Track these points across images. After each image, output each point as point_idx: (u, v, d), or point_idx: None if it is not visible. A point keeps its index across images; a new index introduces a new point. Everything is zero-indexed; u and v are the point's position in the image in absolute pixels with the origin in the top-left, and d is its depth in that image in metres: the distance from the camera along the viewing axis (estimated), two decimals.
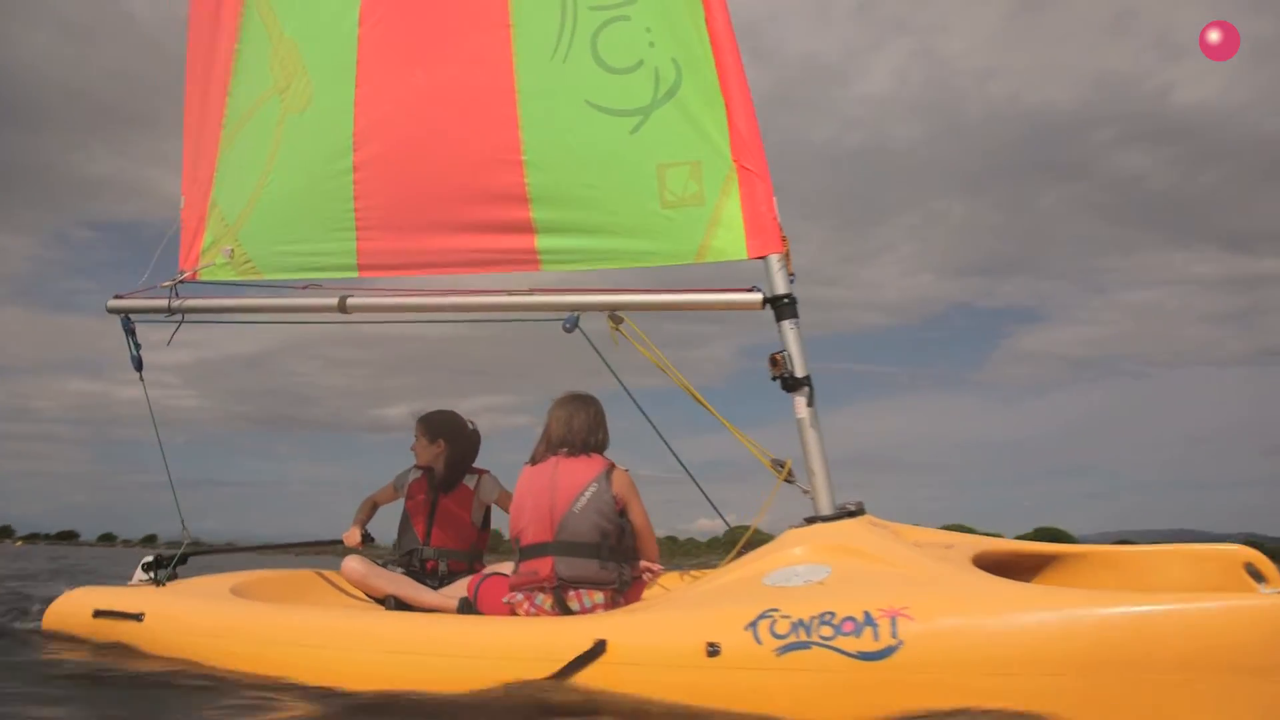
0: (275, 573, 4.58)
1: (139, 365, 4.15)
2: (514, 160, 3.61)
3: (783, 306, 3.42)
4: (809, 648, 2.55)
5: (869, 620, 2.54)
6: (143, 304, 4.12)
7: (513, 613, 3.35)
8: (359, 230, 3.83)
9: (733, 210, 3.48)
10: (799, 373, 3.37)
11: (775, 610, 2.66)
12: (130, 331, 4.13)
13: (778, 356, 3.38)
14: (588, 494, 3.32)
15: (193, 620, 3.74)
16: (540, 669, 2.81)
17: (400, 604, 4.11)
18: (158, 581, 4.25)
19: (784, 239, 3.47)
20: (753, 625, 2.65)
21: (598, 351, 3.63)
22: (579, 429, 3.49)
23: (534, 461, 3.52)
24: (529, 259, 3.66)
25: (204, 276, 4.09)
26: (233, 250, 4.01)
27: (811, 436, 3.35)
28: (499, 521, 4.72)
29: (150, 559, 4.66)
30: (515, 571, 3.42)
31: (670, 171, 3.51)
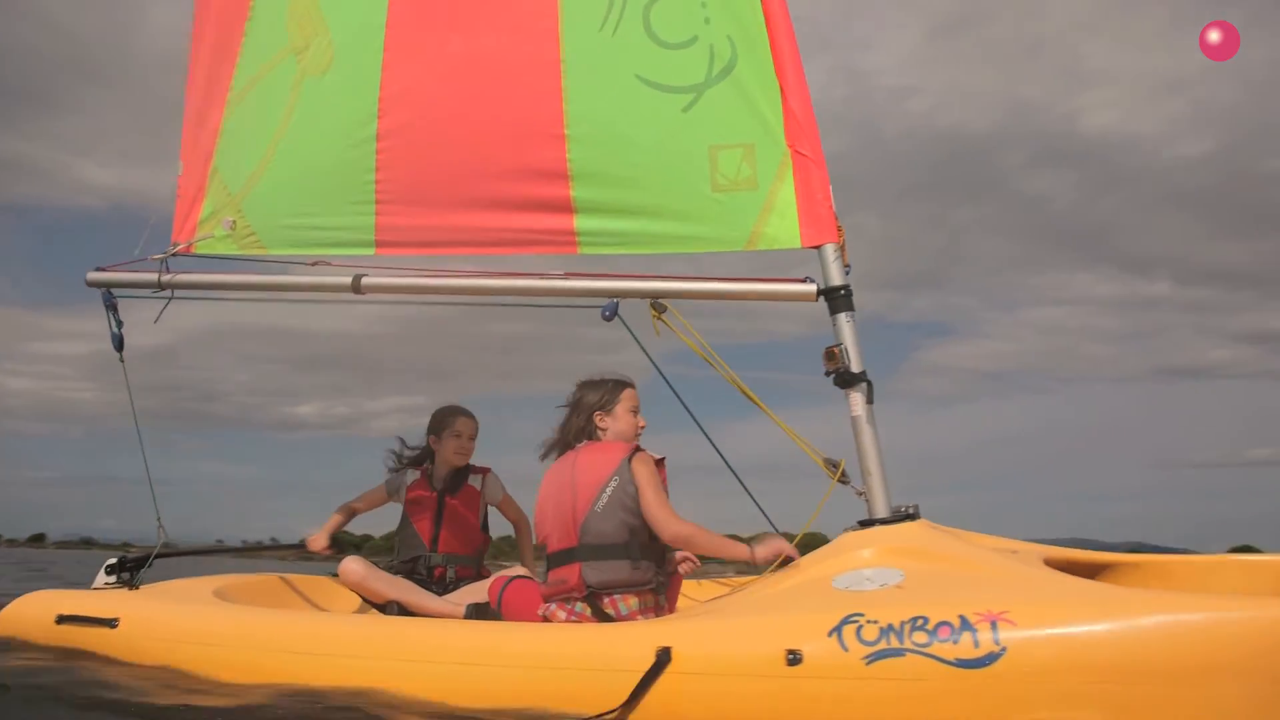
0: (259, 577, 4.22)
1: (120, 345, 3.77)
2: (556, 134, 3.38)
3: (839, 299, 3.26)
4: (903, 655, 2.37)
5: (966, 625, 2.37)
6: (128, 277, 3.75)
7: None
8: (379, 204, 3.55)
9: (787, 196, 3.31)
10: (855, 368, 3.21)
11: (860, 615, 2.47)
12: (112, 308, 3.76)
13: (834, 350, 3.21)
14: (609, 489, 3.02)
15: (180, 626, 3.38)
16: (599, 678, 2.57)
17: (403, 610, 3.80)
18: (131, 585, 3.85)
19: (839, 228, 3.32)
20: (836, 631, 2.45)
21: (639, 343, 3.41)
22: (583, 411, 3.25)
23: (551, 455, 3.26)
24: (566, 240, 3.43)
25: (200, 250, 3.75)
26: (234, 222, 3.68)
27: (868, 435, 3.19)
28: (496, 527, 4.43)
29: (114, 561, 4.27)
30: (544, 580, 3.15)
31: (723, 154, 3.33)
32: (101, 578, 4.21)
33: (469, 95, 3.47)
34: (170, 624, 3.41)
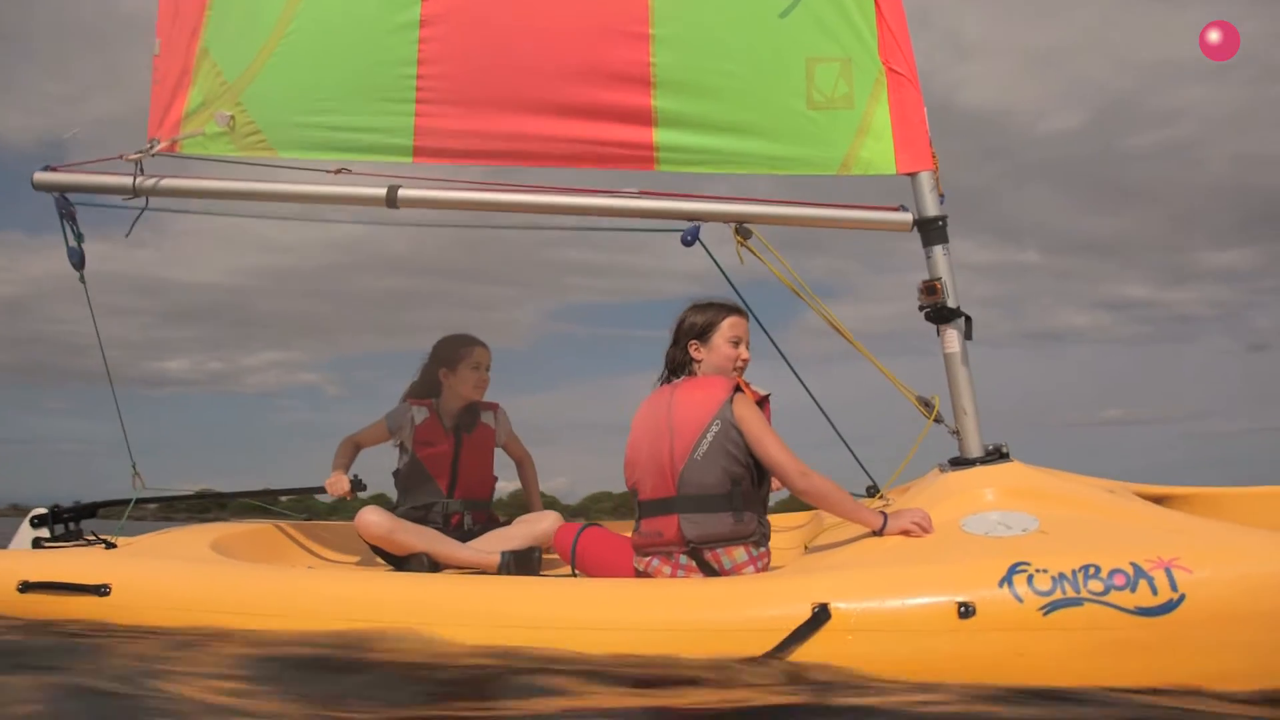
0: (253, 526, 3.70)
1: (79, 261, 3.10)
2: (640, 33, 2.97)
3: (935, 230, 3.10)
4: (1080, 604, 2.31)
5: (1141, 572, 2.33)
6: (91, 180, 3.05)
7: (650, 578, 2.83)
8: (420, 104, 3.02)
9: (882, 118, 3.09)
10: (952, 303, 3.08)
11: (1027, 564, 2.39)
12: (68, 216, 3.06)
13: (936, 284, 3.07)
14: (710, 435, 2.76)
15: (195, 591, 2.89)
16: (739, 638, 2.37)
17: (431, 563, 3.44)
18: (106, 544, 3.27)
19: (934, 155, 3.14)
20: (1006, 581, 2.36)
21: (721, 269, 3.12)
22: (680, 338, 2.97)
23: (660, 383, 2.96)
24: (643, 156, 3.06)
25: (187, 149, 3.08)
26: (233, 117, 3.03)
27: (962, 373, 3.10)
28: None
29: (44, 512, 3.65)
30: (637, 529, 2.88)
31: (820, 67, 3.05)
32: (27, 533, 3.59)
33: None
34: (179, 590, 2.92)
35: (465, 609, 2.57)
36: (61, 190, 3.03)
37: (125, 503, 3.92)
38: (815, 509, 3.62)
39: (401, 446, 3.83)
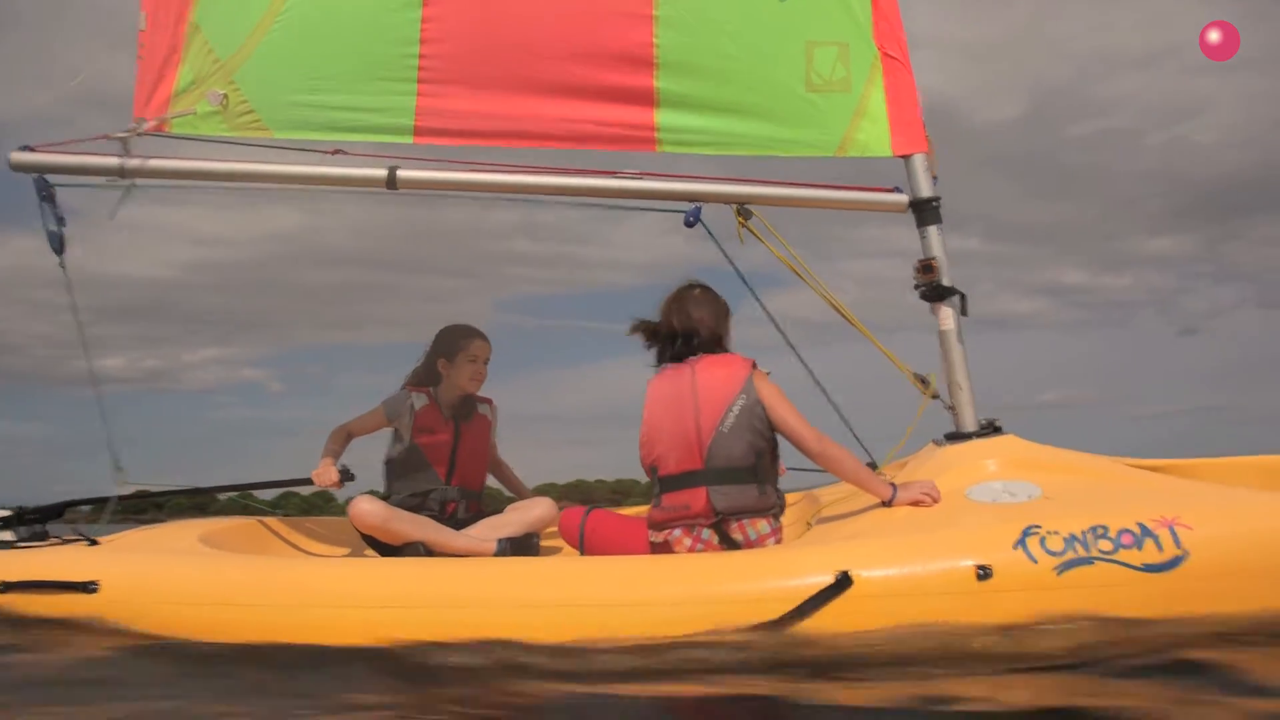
0: (238, 521, 3.59)
1: (60, 246, 2.97)
2: (644, 14, 2.99)
3: (929, 211, 3.19)
4: (1091, 563, 2.41)
5: (1146, 531, 2.44)
6: (72, 160, 2.92)
7: (672, 552, 2.84)
8: (421, 84, 2.97)
9: (878, 101, 3.17)
10: (946, 281, 3.17)
11: (1038, 526, 2.48)
12: (48, 198, 2.93)
13: (932, 263, 3.15)
14: (736, 408, 2.82)
15: (192, 585, 2.80)
16: (769, 608, 2.41)
17: (428, 551, 3.39)
18: (89, 540, 3.14)
19: (928, 138, 3.23)
20: (1020, 543, 2.45)
21: (722, 249, 3.17)
22: (706, 319, 2.98)
23: (659, 366, 2.97)
24: (644, 137, 3.08)
25: (177, 129, 2.97)
26: (226, 96, 2.94)
27: (957, 350, 3.19)
28: None
29: (7, 514, 3.49)
30: (657, 504, 2.89)
31: (819, 51, 3.11)
32: None
33: None
34: (177, 584, 2.82)
35: (491, 592, 2.55)
36: (41, 171, 2.90)
37: (95, 501, 3.78)
38: (807, 490, 3.70)
39: (396, 434, 3.76)
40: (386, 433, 3.85)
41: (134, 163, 2.93)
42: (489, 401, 3.89)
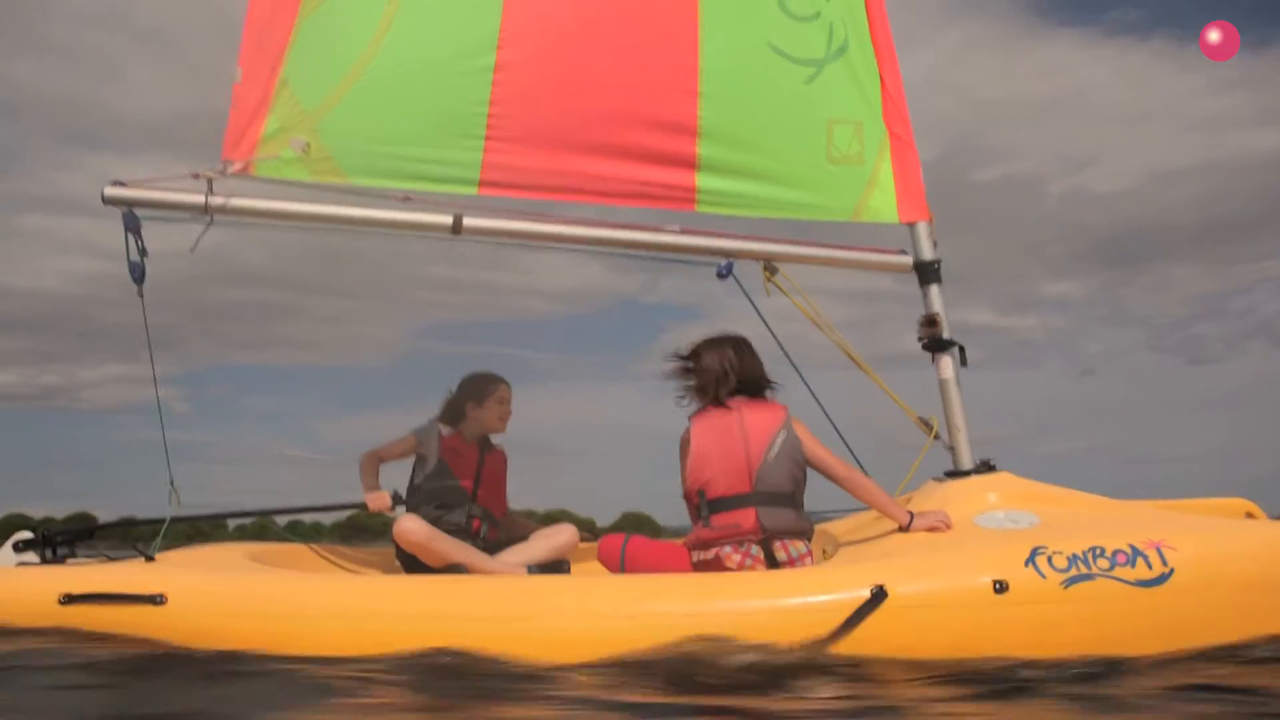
0: (282, 545, 3.72)
1: (140, 275, 3.16)
2: (690, 89, 3.37)
3: (931, 271, 3.59)
4: (1093, 579, 2.75)
5: (1137, 551, 2.80)
6: (163, 197, 3.14)
7: (721, 567, 3.11)
8: (489, 140, 3.29)
9: (887, 174, 3.59)
10: (946, 335, 3.55)
11: (1044, 547, 2.81)
12: (134, 230, 3.13)
13: (935, 318, 3.53)
14: (779, 442, 3.17)
15: (257, 598, 2.95)
16: (817, 619, 2.68)
17: (466, 573, 3.57)
18: (147, 556, 3.25)
19: (929, 209, 3.65)
20: (1030, 561, 2.78)
21: (751, 301, 3.51)
22: (751, 370, 3.32)
23: (704, 410, 3.27)
24: (685, 197, 3.43)
25: (261, 172, 3.21)
26: (308, 144, 3.20)
27: (956, 395, 3.55)
28: None
29: (29, 536, 3.57)
30: (706, 525, 3.16)
31: (838, 128, 3.52)
32: (9, 557, 3.50)
33: (600, 37, 3.34)
34: (243, 597, 2.97)
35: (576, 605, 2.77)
36: (131, 205, 3.11)
37: (125, 524, 3.87)
38: (818, 525, 4.02)
39: (422, 461, 3.96)
40: (408, 464, 4.06)
41: (217, 200, 3.16)
42: (500, 447, 4.15)
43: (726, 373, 3.24)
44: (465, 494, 3.87)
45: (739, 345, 3.32)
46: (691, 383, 3.30)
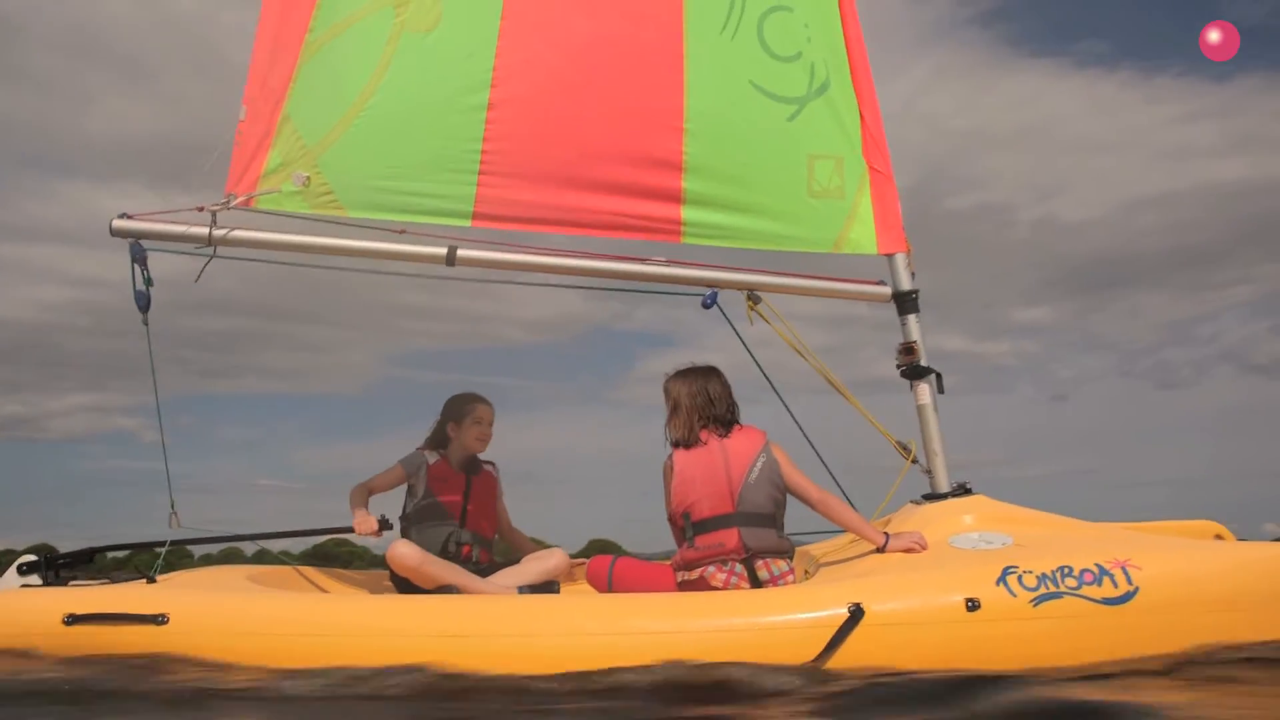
0: (276, 569, 3.82)
1: (146, 304, 3.28)
2: (675, 126, 3.52)
3: (909, 301, 3.72)
4: (1060, 597, 2.86)
5: (1104, 570, 2.91)
6: (169, 229, 3.26)
7: (707, 586, 3.21)
8: (482, 174, 3.43)
9: (866, 207, 3.73)
10: (923, 362, 3.68)
11: (1015, 566, 2.93)
12: (140, 261, 3.26)
13: (913, 345, 3.67)
14: (759, 465, 3.31)
15: (256, 617, 3.05)
16: (796, 636, 2.79)
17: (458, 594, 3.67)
18: (148, 578, 3.35)
19: (907, 240, 3.79)
20: (1002, 580, 2.89)
21: (735, 330, 3.64)
22: (721, 399, 3.45)
23: (686, 444, 3.39)
24: (671, 229, 3.57)
25: (262, 205, 3.34)
26: (309, 178, 3.33)
27: (934, 421, 3.68)
28: None
29: (33, 559, 3.67)
30: (691, 546, 3.27)
31: (819, 163, 3.67)
32: (13, 579, 3.59)
33: (590, 77, 3.50)
34: (244, 617, 3.06)
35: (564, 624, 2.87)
36: (138, 237, 3.24)
37: (125, 546, 3.97)
38: (799, 547, 4.12)
39: (411, 490, 4.06)
40: (401, 492, 4.16)
41: (220, 232, 3.29)
42: (492, 463, 4.25)
43: (709, 404, 3.37)
44: (454, 522, 3.97)
45: (702, 377, 3.46)
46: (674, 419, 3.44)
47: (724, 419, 3.42)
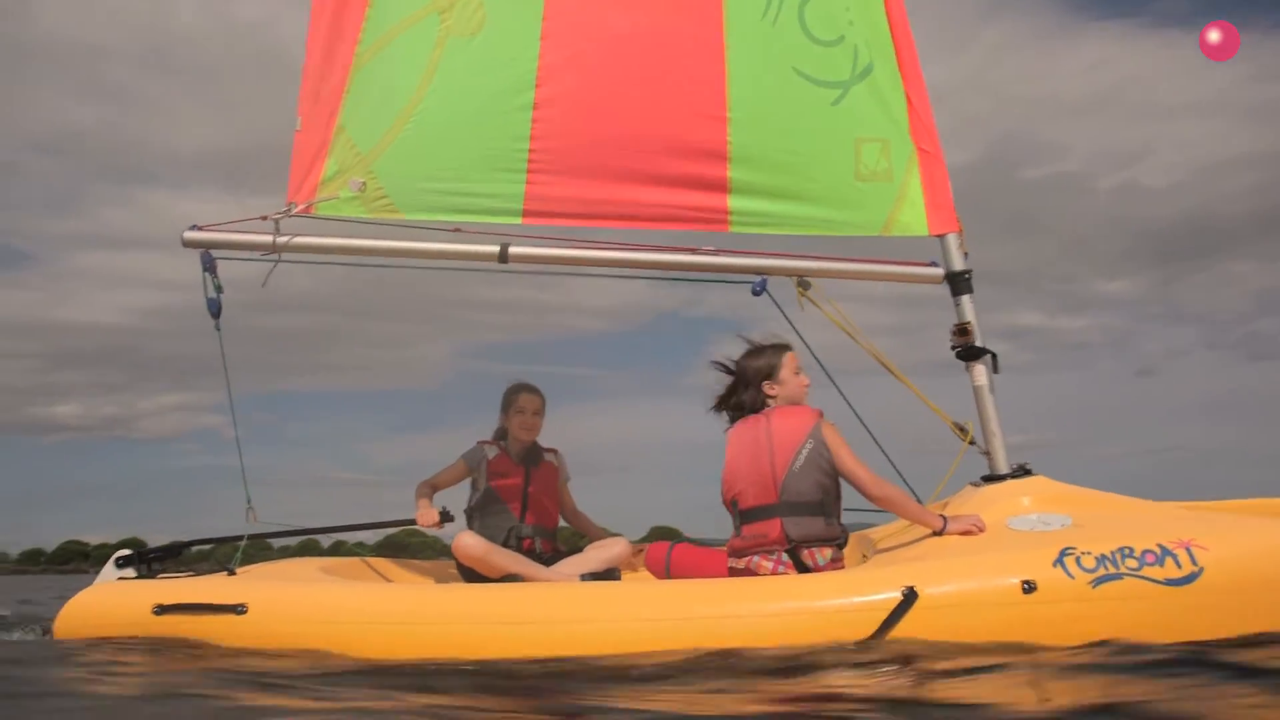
0: (348, 560, 3.99)
1: (217, 311, 3.45)
2: (719, 116, 3.54)
3: (962, 282, 3.68)
4: (1121, 578, 2.82)
5: (1166, 551, 2.85)
6: (235, 238, 3.43)
7: (755, 574, 3.25)
8: (530, 173, 3.52)
9: (915, 188, 3.69)
10: (979, 343, 3.64)
11: (1073, 548, 2.89)
12: (210, 269, 3.43)
13: (967, 326, 3.63)
14: (805, 451, 3.27)
15: (332, 606, 3.20)
16: (850, 619, 2.81)
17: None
18: (228, 570, 3.54)
19: (958, 220, 3.74)
20: (1059, 562, 2.86)
21: (786, 316, 3.65)
22: (751, 381, 3.45)
23: (731, 415, 3.42)
24: (718, 218, 3.60)
25: (322, 211, 3.49)
26: (365, 183, 3.47)
27: (990, 402, 3.64)
28: None
29: (129, 553, 3.90)
30: (738, 535, 3.31)
31: (865, 146, 3.65)
32: (111, 572, 3.82)
33: (631, 70, 3.55)
34: (320, 606, 3.21)
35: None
36: (207, 247, 3.41)
37: (209, 541, 4.19)
38: (859, 530, 4.11)
39: (474, 484, 4.18)
40: (466, 486, 4.28)
41: (283, 239, 3.44)
42: (555, 451, 4.33)
43: (736, 390, 3.40)
44: (513, 517, 4.07)
45: (756, 354, 3.46)
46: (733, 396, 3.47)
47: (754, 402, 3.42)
